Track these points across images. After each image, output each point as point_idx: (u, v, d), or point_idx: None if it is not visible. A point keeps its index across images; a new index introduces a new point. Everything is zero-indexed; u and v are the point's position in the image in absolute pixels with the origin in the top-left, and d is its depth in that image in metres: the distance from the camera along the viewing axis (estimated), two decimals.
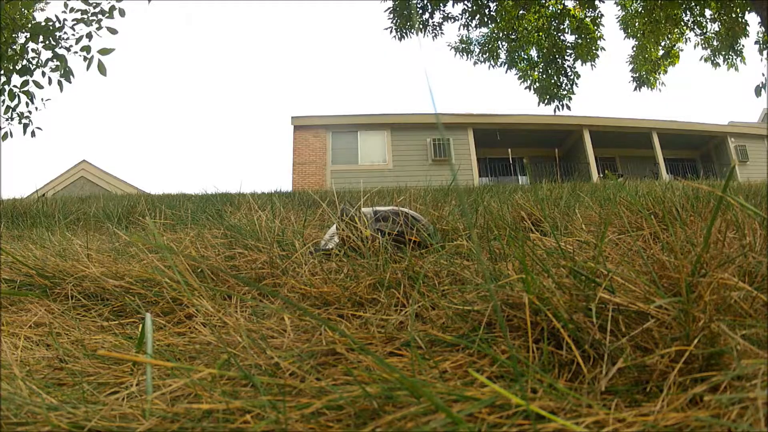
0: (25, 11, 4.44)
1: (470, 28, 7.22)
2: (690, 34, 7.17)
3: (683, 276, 0.47)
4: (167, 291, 0.83)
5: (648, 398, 0.41)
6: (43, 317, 0.79)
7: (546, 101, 7.04)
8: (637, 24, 7.17)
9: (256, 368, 0.52)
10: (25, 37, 4.39)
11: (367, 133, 11.25)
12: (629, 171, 12.22)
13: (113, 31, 4.43)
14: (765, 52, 6.22)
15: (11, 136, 4.55)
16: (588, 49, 6.91)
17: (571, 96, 7.03)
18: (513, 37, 7.07)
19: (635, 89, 7.46)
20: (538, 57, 7.16)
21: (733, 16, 6.52)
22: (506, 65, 7.32)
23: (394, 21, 6.83)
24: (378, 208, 1.25)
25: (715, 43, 6.94)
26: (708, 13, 6.85)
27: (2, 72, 4.34)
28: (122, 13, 4.44)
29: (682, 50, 7.27)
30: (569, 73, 7.04)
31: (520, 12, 6.86)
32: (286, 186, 8.93)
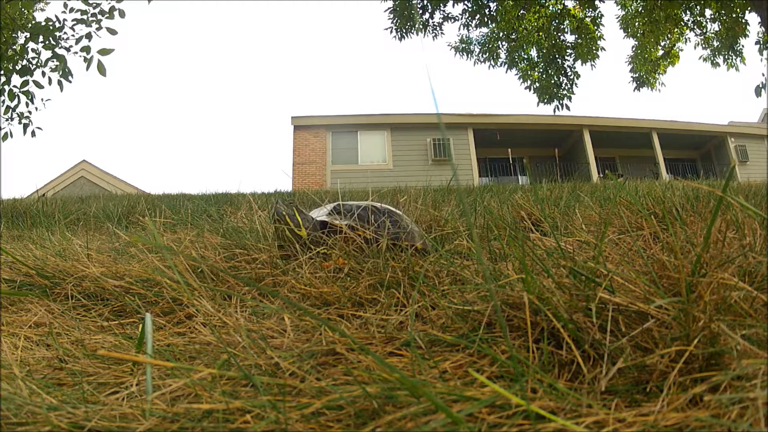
0: (25, 11, 4.44)
1: (470, 28, 7.22)
2: (690, 34, 7.18)
3: (683, 276, 0.47)
4: (167, 291, 0.83)
5: (648, 398, 0.41)
6: (43, 317, 0.79)
7: (546, 101, 7.04)
8: (637, 24, 7.18)
9: (256, 368, 0.52)
10: (25, 37, 4.40)
11: (367, 133, 11.25)
12: (629, 171, 12.22)
13: (113, 32, 4.44)
14: (765, 52, 6.22)
15: (11, 136, 4.55)
16: (588, 49, 6.91)
17: (571, 96, 7.03)
18: (513, 37, 7.07)
19: (635, 89, 7.47)
20: (538, 57, 7.17)
21: (733, 16, 6.52)
22: (506, 65, 7.32)
23: (394, 21, 6.84)
24: (345, 203, 1.13)
25: (715, 43, 6.94)
26: (708, 13, 6.85)
27: (2, 72, 4.34)
28: (122, 14, 4.44)
29: (681, 50, 7.28)
30: (569, 73, 7.04)
31: (520, 12, 6.86)
32: (286, 186, 8.93)
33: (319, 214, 1.11)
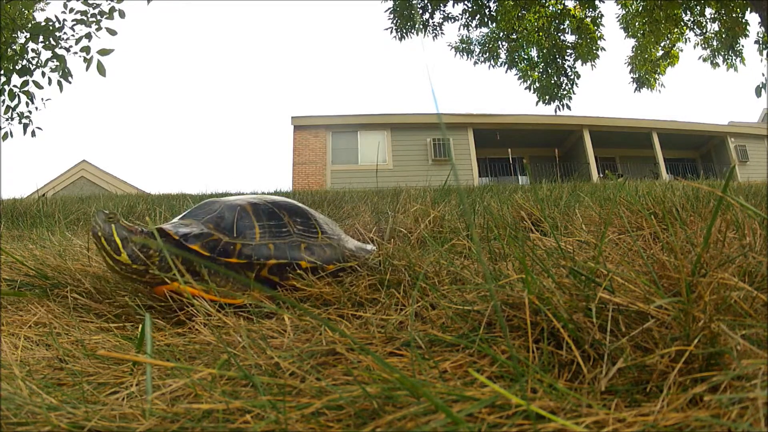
0: (25, 11, 4.45)
1: (470, 28, 7.23)
2: (690, 34, 7.18)
3: (683, 276, 0.47)
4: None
5: (648, 398, 0.41)
6: (43, 317, 0.79)
7: (546, 101, 7.05)
8: (637, 24, 7.18)
9: (256, 368, 0.52)
10: (25, 37, 4.40)
11: (367, 133, 11.24)
12: (629, 171, 12.21)
13: (112, 32, 4.44)
14: (765, 52, 6.22)
15: (11, 136, 4.56)
16: (588, 49, 6.92)
17: (571, 96, 7.03)
18: (513, 37, 7.07)
19: (635, 90, 7.48)
20: (538, 57, 7.17)
21: (733, 16, 6.52)
22: (506, 65, 7.33)
23: (395, 21, 6.84)
24: (218, 199, 0.87)
25: (715, 43, 6.94)
26: (708, 12, 6.85)
27: (2, 72, 4.34)
28: (122, 14, 4.45)
29: (681, 50, 7.28)
30: (569, 73, 7.04)
31: (521, 12, 6.86)
32: (286, 186, 8.93)
33: (174, 221, 0.85)
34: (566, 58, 7.08)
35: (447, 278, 0.77)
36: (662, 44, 7.20)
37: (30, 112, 4.62)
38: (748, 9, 6.19)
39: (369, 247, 0.98)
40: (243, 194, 0.95)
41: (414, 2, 6.84)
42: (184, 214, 0.87)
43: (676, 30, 7.10)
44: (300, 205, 0.91)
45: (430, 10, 7.05)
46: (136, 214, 2.42)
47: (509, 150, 12.27)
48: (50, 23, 4.38)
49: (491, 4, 7.03)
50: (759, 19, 5.30)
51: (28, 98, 4.53)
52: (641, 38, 7.15)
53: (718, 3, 6.53)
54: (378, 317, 0.65)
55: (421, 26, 7.16)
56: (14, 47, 4.39)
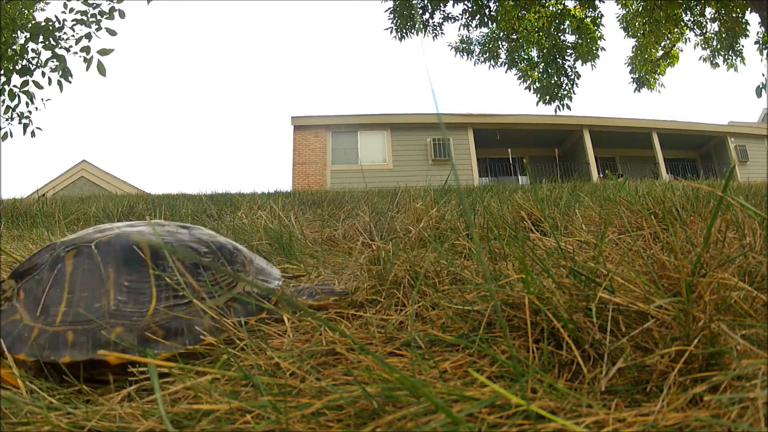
0: (25, 11, 4.45)
1: (470, 28, 7.23)
2: (690, 34, 7.18)
3: (683, 276, 0.47)
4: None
5: (648, 398, 0.41)
6: None
7: (546, 101, 7.04)
8: (637, 24, 7.18)
9: (256, 368, 0.52)
10: (25, 37, 4.40)
11: (367, 133, 11.24)
12: (629, 171, 12.21)
13: (112, 33, 4.44)
14: (765, 52, 6.22)
15: (11, 136, 4.56)
16: (588, 49, 6.92)
17: (572, 96, 7.03)
18: (513, 37, 7.07)
19: (635, 90, 7.47)
20: (538, 57, 7.17)
21: (733, 16, 6.52)
22: (506, 65, 7.32)
23: (395, 21, 6.84)
24: (67, 243, 0.62)
25: (715, 43, 6.94)
26: (708, 12, 6.85)
27: (2, 72, 4.34)
28: (122, 14, 4.45)
29: (681, 50, 7.28)
30: (569, 73, 7.04)
31: (521, 12, 6.86)
32: (287, 186, 8.93)
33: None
34: (566, 58, 7.08)
35: (447, 278, 0.77)
36: (662, 44, 7.19)
37: (30, 112, 4.62)
38: (748, 9, 6.19)
39: (274, 283, 0.75)
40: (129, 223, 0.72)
41: (414, 2, 6.84)
42: (21, 263, 0.64)
43: (676, 30, 7.09)
44: (144, 242, 0.63)
45: (430, 10, 7.05)
46: (135, 214, 2.42)
47: (509, 150, 12.27)
48: (50, 23, 4.38)
49: (491, 4, 7.03)
50: (759, 19, 5.29)
51: (28, 98, 4.53)
52: (641, 38, 7.14)
53: (718, 3, 6.53)
54: (378, 317, 0.65)
55: (421, 26, 7.16)
56: (14, 47, 4.39)
